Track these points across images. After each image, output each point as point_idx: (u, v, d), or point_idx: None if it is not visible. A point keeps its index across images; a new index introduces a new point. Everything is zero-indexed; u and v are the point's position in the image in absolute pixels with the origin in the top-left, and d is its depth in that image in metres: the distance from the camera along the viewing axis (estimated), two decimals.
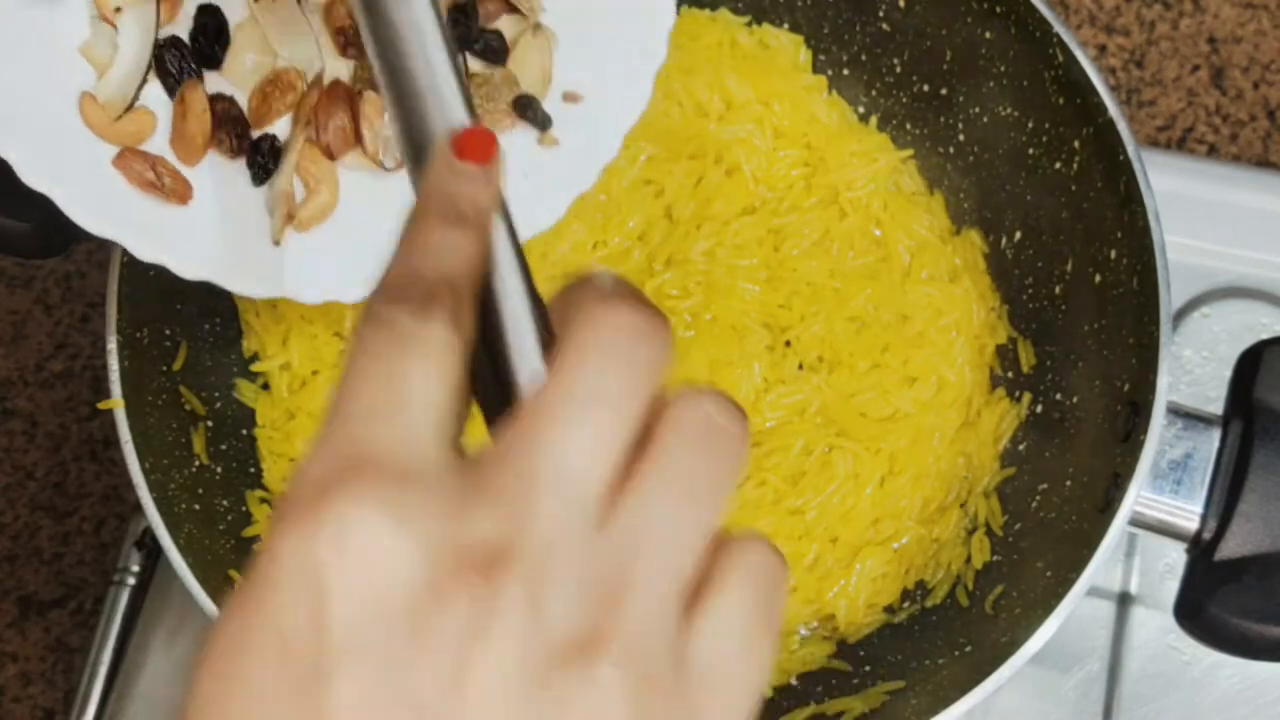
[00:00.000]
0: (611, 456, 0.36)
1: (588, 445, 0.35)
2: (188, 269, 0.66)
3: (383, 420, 0.35)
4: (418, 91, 0.43)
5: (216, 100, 0.67)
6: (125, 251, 0.74)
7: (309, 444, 0.36)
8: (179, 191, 0.66)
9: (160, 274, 0.77)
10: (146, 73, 0.66)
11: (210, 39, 0.67)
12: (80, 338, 1.00)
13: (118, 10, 0.65)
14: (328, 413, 0.36)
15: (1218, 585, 0.69)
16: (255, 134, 0.68)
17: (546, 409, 0.36)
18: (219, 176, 0.68)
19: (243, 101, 0.68)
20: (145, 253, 0.65)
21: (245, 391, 0.83)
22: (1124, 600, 0.88)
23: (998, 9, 0.80)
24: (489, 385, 0.40)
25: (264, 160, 0.67)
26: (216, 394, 0.82)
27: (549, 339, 0.39)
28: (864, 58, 0.89)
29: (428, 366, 0.36)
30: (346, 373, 0.37)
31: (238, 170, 0.68)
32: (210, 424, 0.80)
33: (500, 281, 0.41)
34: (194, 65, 0.67)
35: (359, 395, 0.36)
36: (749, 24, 0.90)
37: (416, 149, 0.43)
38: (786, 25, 0.90)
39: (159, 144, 0.66)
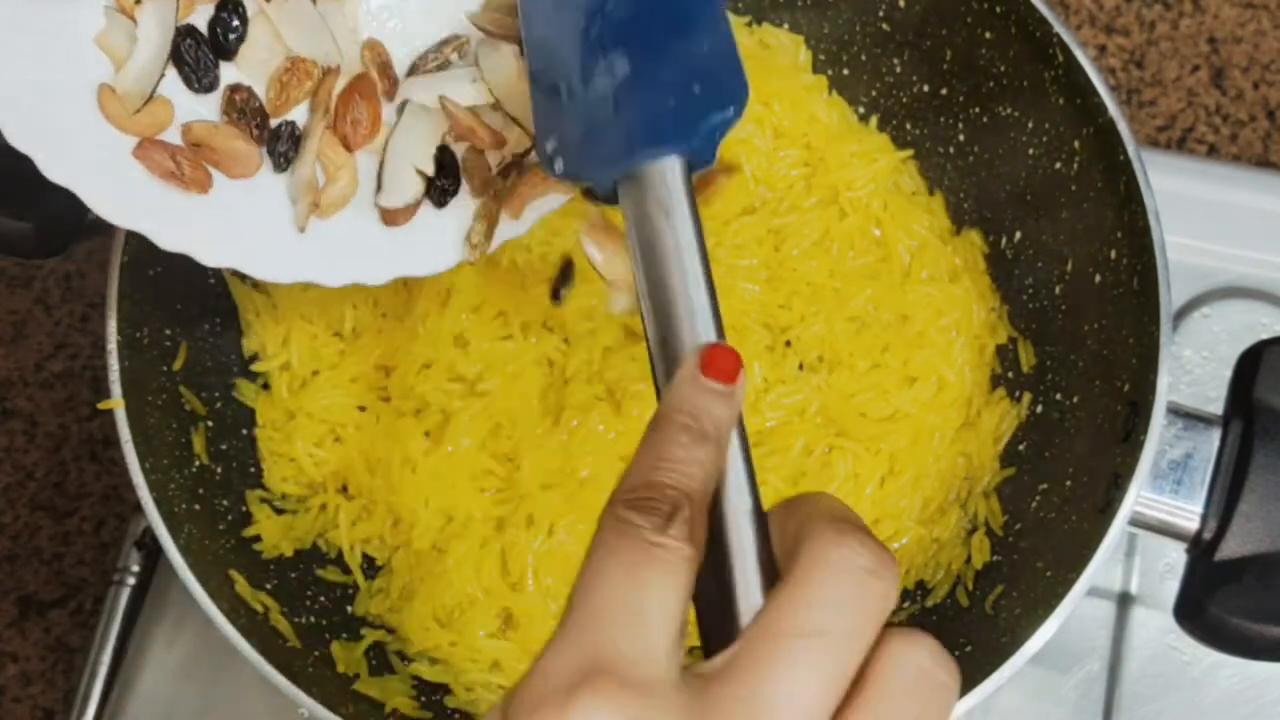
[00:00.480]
0: (834, 695, 0.38)
1: (813, 684, 0.38)
2: (211, 257, 0.66)
3: (624, 628, 0.39)
4: (674, 304, 0.48)
5: (235, 90, 0.67)
6: (125, 251, 0.75)
7: (551, 639, 0.39)
8: (199, 180, 0.66)
9: (160, 274, 0.78)
10: (165, 64, 0.66)
11: (226, 30, 0.67)
12: (80, 338, 1.00)
13: (138, 2, 0.65)
14: (570, 608, 0.40)
15: (1218, 585, 0.69)
16: (274, 121, 0.68)
17: (776, 639, 0.39)
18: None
19: (259, 91, 0.68)
20: (169, 242, 0.65)
21: (245, 391, 0.83)
22: (1124, 600, 0.88)
23: (998, 9, 0.80)
24: (709, 598, 0.43)
25: (284, 149, 0.68)
26: (217, 394, 0.82)
27: (769, 559, 0.43)
28: (864, 58, 0.89)
29: (667, 578, 0.40)
30: (589, 571, 0.40)
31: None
32: (210, 424, 0.80)
33: (730, 500, 0.44)
34: (211, 56, 0.67)
35: (602, 599, 0.39)
36: (749, 24, 0.90)
37: (668, 357, 0.47)
38: (786, 25, 0.90)
39: (175, 135, 0.67)
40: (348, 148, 0.69)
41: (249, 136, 0.67)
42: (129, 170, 0.64)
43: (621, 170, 0.53)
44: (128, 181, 0.64)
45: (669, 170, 0.52)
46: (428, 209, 0.70)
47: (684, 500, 0.41)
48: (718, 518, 0.44)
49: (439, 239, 0.70)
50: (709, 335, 0.48)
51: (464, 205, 0.70)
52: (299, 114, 0.69)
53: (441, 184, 0.69)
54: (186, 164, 0.65)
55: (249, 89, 0.68)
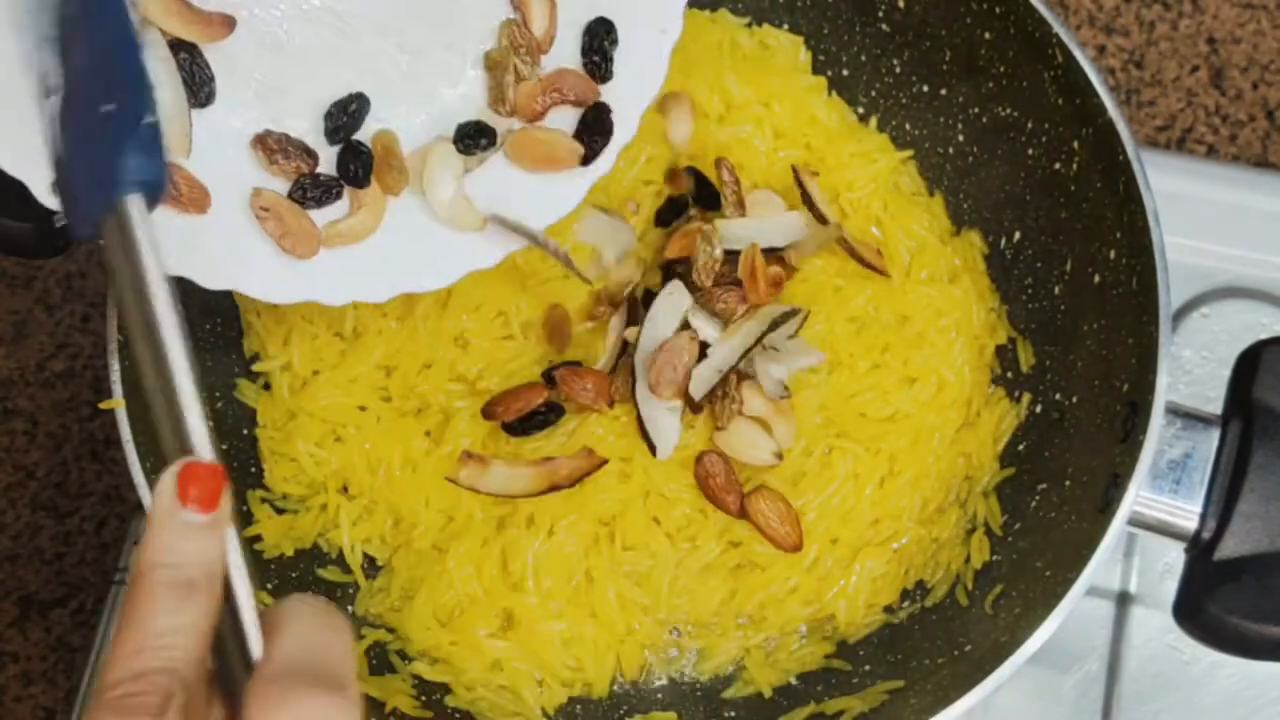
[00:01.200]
0: None
1: None
2: (212, 280, 0.67)
3: None
4: (152, 393, 0.47)
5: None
6: None
7: None
8: (197, 200, 0.66)
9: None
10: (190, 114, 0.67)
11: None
12: (81, 338, 1.00)
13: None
14: None
15: (1217, 585, 0.69)
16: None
17: None
18: (241, 184, 0.68)
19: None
20: (167, 266, 0.65)
21: (246, 391, 0.83)
22: (1123, 600, 0.88)
23: (997, 9, 0.80)
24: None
25: (317, 194, 0.69)
26: (217, 394, 0.82)
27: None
28: (864, 58, 0.89)
29: None
30: None
31: (261, 178, 0.69)
32: (211, 424, 0.80)
33: (227, 647, 0.45)
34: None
35: None
36: (749, 25, 0.90)
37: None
38: (786, 26, 0.90)
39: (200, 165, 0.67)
40: (386, 190, 0.71)
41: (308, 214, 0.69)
42: None
43: (95, 224, 0.51)
44: None
45: (128, 215, 0.50)
46: (433, 226, 0.71)
47: (175, 684, 0.42)
48: (222, 654, 0.44)
49: (440, 254, 0.71)
50: (199, 438, 0.47)
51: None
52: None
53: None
54: (184, 182, 0.66)
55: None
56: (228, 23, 0.66)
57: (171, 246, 0.64)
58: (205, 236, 0.66)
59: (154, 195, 0.52)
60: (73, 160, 0.54)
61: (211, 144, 0.67)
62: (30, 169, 0.61)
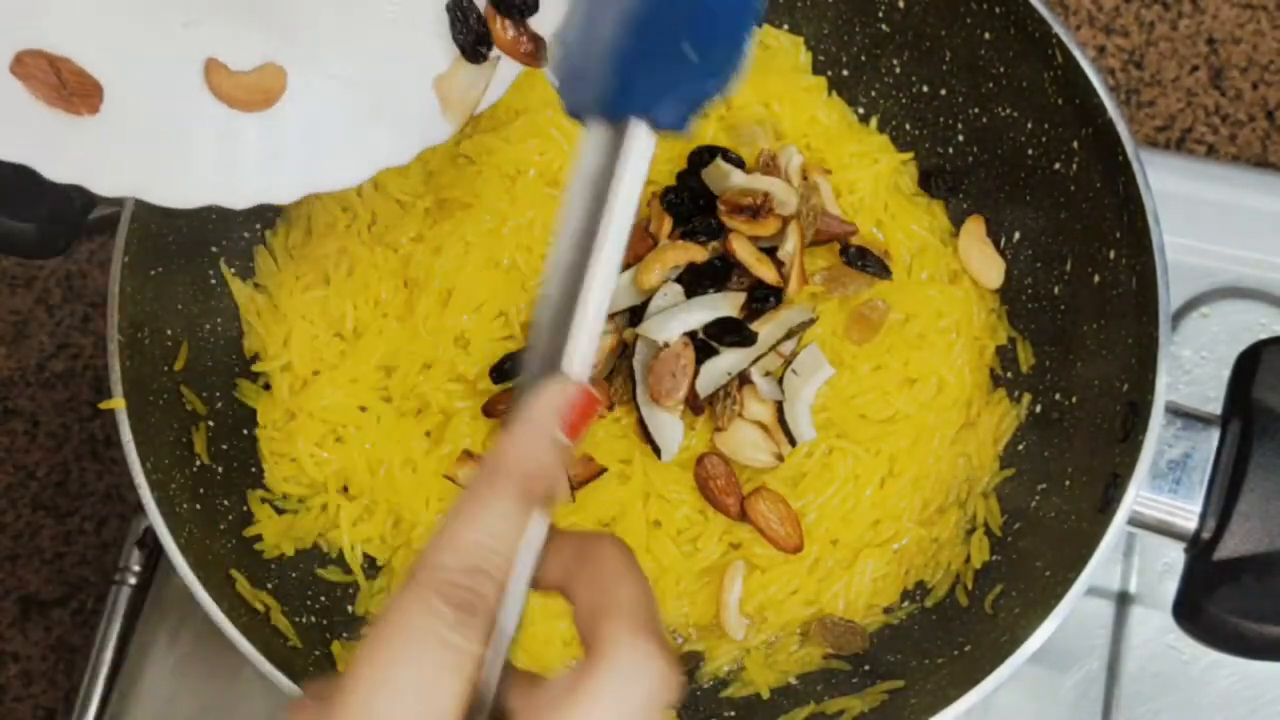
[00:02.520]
0: None
1: None
2: (105, 185, 0.63)
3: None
4: (570, 300, 0.45)
5: None
6: (127, 251, 0.75)
7: (332, 709, 0.40)
8: (87, 96, 0.61)
9: (162, 274, 0.78)
10: None
11: None
12: (82, 338, 1.00)
13: None
14: (350, 678, 0.40)
15: (1216, 585, 0.69)
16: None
17: None
18: (138, 80, 0.63)
19: None
20: (58, 173, 0.61)
21: (246, 391, 0.83)
22: (1123, 600, 0.88)
23: (997, 9, 0.80)
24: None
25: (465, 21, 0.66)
26: (218, 394, 0.82)
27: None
28: (864, 59, 0.89)
29: (456, 682, 0.41)
30: (377, 647, 0.40)
31: (160, 72, 0.64)
32: (211, 424, 0.80)
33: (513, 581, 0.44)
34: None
35: (388, 693, 0.40)
36: None
37: (538, 365, 0.45)
38: (786, 26, 0.90)
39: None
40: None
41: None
42: (9, 94, 0.60)
43: (587, 115, 0.48)
44: (8, 107, 0.60)
45: (631, 133, 0.47)
46: (339, 119, 0.67)
47: (496, 592, 0.43)
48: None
49: (350, 151, 0.68)
50: (580, 362, 0.45)
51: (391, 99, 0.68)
52: None
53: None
54: (71, 76, 0.61)
55: None
56: None
57: (58, 151, 0.60)
58: (95, 138, 0.62)
59: (659, 129, 0.48)
60: (608, 49, 0.48)
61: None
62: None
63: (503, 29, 0.69)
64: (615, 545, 0.45)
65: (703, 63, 0.48)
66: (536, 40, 0.69)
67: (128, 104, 0.63)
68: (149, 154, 0.64)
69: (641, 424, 0.78)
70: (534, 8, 0.68)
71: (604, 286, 0.46)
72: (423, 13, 0.68)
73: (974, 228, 0.85)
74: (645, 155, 0.48)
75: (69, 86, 0.60)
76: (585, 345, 0.45)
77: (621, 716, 0.41)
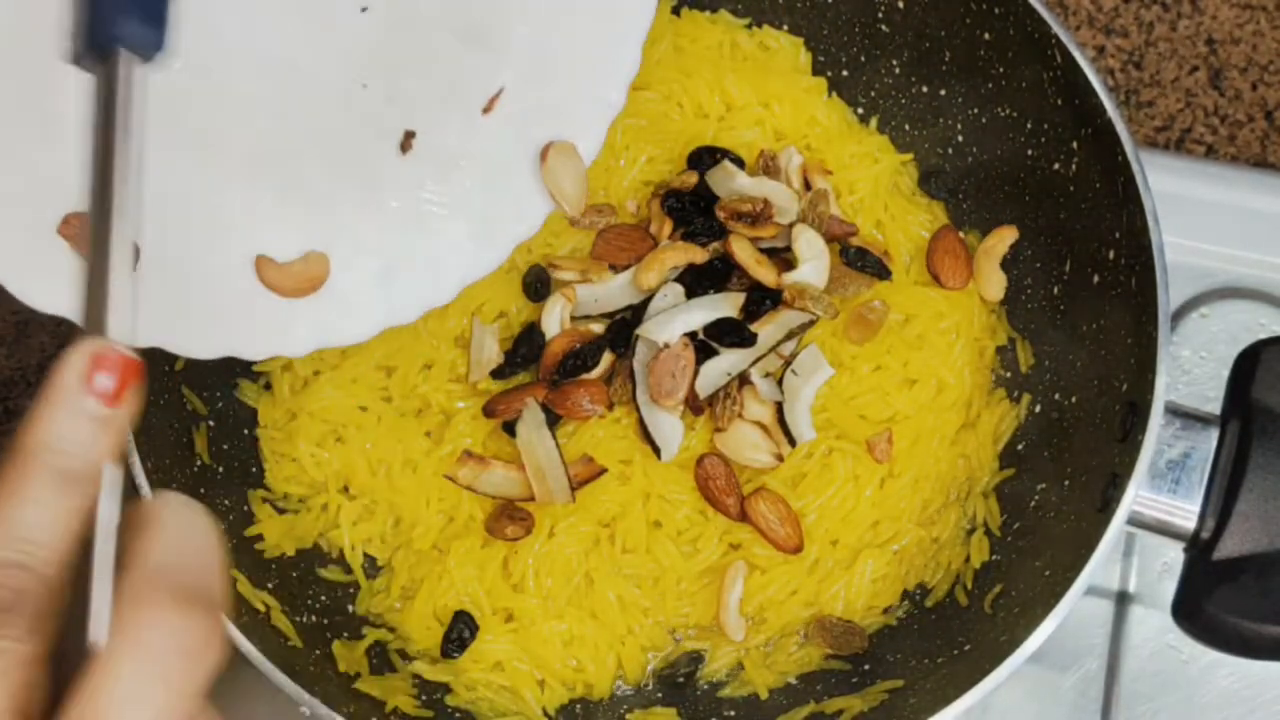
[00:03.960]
0: None
1: None
2: (139, 337, 0.66)
3: None
4: (94, 255, 0.43)
5: None
6: None
7: None
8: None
9: None
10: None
11: None
12: None
13: None
14: None
15: (1216, 584, 0.70)
16: None
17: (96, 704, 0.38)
18: (175, 245, 0.68)
19: None
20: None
21: (247, 391, 0.83)
22: (1122, 599, 0.88)
23: (996, 10, 0.80)
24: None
25: None
26: (218, 394, 0.82)
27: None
28: (864, 59, 0.89)
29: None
30: None
31: (198, 239, 0.68)
32: (212, 424, 0.81)
33: (97, 547, 0.40)
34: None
35: None
36: (749, 26, 0.90)
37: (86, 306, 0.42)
38: (786, 27, 0.90)
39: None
40: None
41: None
42: (56, 252, 0.64)
43: (78, 57, 0.47)
44: (55, 264, 0.64)
45: (120, 74, 0.45)
46: (353, 287, 0.71)
47: (32, 582, 0.39)
48: (83, 565, 0.40)
49: (362, 312, 0.71)
50: (118, 320, 0.42)
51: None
52: None
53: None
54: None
55: None
56: None
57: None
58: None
59: (148, 55, 0.47)
60: None
61: None
62: None
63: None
64: (169, 503, 0.42)
65: None
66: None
67: (164, 267, 0.66)
68: (176, 314, 0.68)
69: (641, 424, 0.78)
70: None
71: (123, 242, 0.43)
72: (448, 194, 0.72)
73: (1006, 234, 0.84)
74: (133, 89, 0.46)
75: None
76: (118, 300, 0.43)
77: (142, 684, 0.39)
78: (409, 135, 0.70)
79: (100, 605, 0.40)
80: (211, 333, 0.68)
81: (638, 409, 0.78)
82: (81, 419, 0.41)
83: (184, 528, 0.42)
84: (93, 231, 0.43)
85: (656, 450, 0.77)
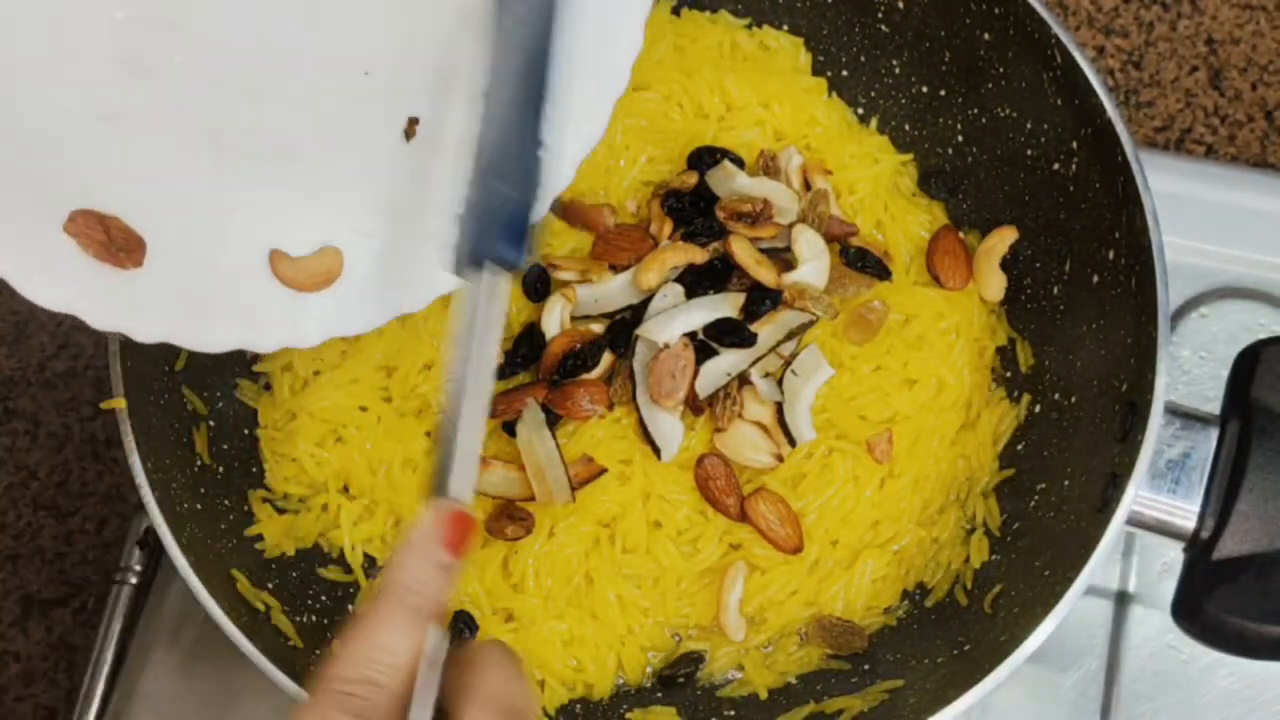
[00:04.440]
0: None
1: None
2: (143, 333, 0.67)
3: None
4: (451, 435, 0.53)
5: None
6: None
7: None
8: (132, 251, 0.66)
9: None
10: None
11: None
12: (83, 338, 1.00)
13: None
14: None
15: (1215, 584, 0.70)
16: None
17: None
18: (179, 238, 0.68)
19: None
20: (99, 321, 0.66)
21: (247, 392, 0.83)
22: (1122, 599, 0.88)
23: (996, 10, 0.80)
24: None
25: None
26: (218, 394, 0.82)
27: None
28: (863, 59, 0.89)
29: None
30: None
31: (202, 233, 0.68)
32: (212, 424, 0.81)
33: (420, 672, 0.50)
34: None
35: None
36: (749, 26, 0.90)
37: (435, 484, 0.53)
38: (786, 27, 0.90)
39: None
40: None
41: None
42: (59, 247, 0.64)
43: (459, 268, 0.59)
44: (58, 259, 0.64)
45: (485, 281, 0.58)
46: (364, 273, 0.71)
47: (387, 698, 0.49)
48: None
49: (371, 300, 0.71)
50: (461, 487, 0.53)
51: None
52: None
53: None
54: (118, 233, 0.65)
55: None
56: None
57: (102, 301, 0.65)
58: (138, 289, 0.66)
59: (510, 270, 0.59)
60: (467, 213, 0.60)
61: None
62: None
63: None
64: (494, 648, 0.52)
65: (512, 191, 0.60)
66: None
67: (173, 262, 0.67)
68: (185, 308, 0.68)
69: (641, 424, 0.78)
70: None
71: (472, 419, 0.54)
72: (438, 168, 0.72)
73: (1007, 234, 0.84)
74: (497, 295, 0.57)
75: (116, 243, 0.65)
76: (461, 470, 0.53)
77: None
78: (412, 122, 0.70)
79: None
80: (222, 326, 0.69)
81: (637, 409, 0.78)
82: (434, 567, 0.51)
83: (508, 666, 0.51)
84: (451, 410, 0.54)
85: (656, 450, 0.77)
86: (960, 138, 0.87)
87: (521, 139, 0.60)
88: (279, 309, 0.70)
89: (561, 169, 0.71)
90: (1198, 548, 0.71)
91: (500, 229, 0.59)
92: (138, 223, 0.66)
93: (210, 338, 0.69)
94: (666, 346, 0.77)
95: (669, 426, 0.77)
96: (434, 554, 0.51)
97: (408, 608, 0.50)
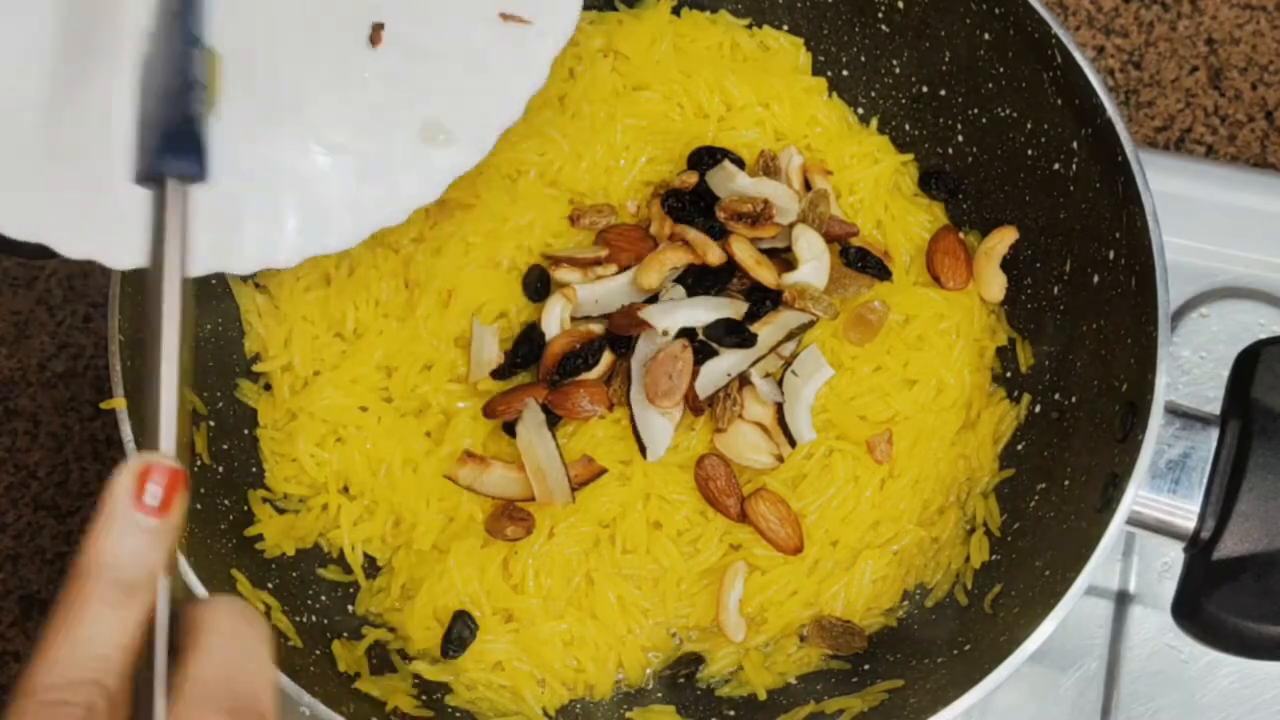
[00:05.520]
0: None
1: None
2: (122, 259, 0.66)
3: None
4: (148, 370, 0.46)
5: None
6: None
7: None
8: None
9: None
10: None
11: None
12: (83, 338, 1.00)
13: None
14: None
15: (1215, 584, 0.70)
16: None
17: None
18: None
19: None
20: (75, 250, 0.65)
21: (247, 392, 0.83)
22: (1122, 599, 0.88)
23: (996, 10, 0.80)
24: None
25: None
26: (218, 394, 0.82)
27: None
28: (864, 59, 0.89)
29: None
30: None
31: None
32: (212, 424, 0.81)
33: (155, 658, 0.44)
34: None
35: None
36: (749, 26, 0.90)
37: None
38: (786, 27, 0.90)
39: None
40: None
41: None
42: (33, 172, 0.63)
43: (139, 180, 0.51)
44: (31, 189, 0.64)
45: (170, 196, 0.49)
46: (338, 186, 0.69)
47: (100, 697, 0.42)
48: (140, 668, 0.44)
49: (348, 214, 0.69)
50: (165, 437, 0.46)
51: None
52: None
53: None
54: None
55: None
56: None
57: (76, 230, 0.63)
58: (111, 214, 0.64)
59: (190, 181, 0.50)
60: (137, 117, 0.53)
61: None
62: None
63: None
64: (220, 611, 0.45)
65: (179, 93, 0.52)
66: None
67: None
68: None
69: (633, 422, 0.78)
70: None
71: (171, 364, 0.47)
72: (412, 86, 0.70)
73: (1007, 235, 0.84)
74: (180, 210, 0.49)
75: None
76: (165, 419, 0.46)
77: None
78: (377, 28, 0.68)
79: (156, 694, 0.43)
80: (199, 251, 0.64)
81: (630, 407, 0.78)
82: (135, 533, 0.44)
83: (234, 635, 0.45)
84: (147, 351, 0.47)
85: (643, 449, 0.77)
86: (960, 138, 0.87)
87: (171, 48, 0.53)
88: (254, 230, 0.68)
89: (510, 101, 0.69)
90: (1198, 548, 0.71)
91: (169, 143, 0.50)
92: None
93: (189, 263, 0.66)
94: (666, 334, 0.77)
95: (658, 426, 0.77)
96: (134, 519, 0.44)
97: (110, 586, 0.43)
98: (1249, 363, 0.73)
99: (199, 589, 0.70)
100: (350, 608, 0.81)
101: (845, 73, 0.90)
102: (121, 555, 0.44)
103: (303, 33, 0.68)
